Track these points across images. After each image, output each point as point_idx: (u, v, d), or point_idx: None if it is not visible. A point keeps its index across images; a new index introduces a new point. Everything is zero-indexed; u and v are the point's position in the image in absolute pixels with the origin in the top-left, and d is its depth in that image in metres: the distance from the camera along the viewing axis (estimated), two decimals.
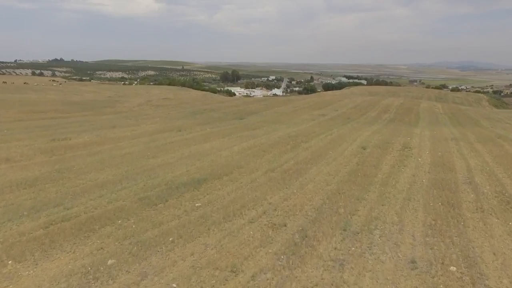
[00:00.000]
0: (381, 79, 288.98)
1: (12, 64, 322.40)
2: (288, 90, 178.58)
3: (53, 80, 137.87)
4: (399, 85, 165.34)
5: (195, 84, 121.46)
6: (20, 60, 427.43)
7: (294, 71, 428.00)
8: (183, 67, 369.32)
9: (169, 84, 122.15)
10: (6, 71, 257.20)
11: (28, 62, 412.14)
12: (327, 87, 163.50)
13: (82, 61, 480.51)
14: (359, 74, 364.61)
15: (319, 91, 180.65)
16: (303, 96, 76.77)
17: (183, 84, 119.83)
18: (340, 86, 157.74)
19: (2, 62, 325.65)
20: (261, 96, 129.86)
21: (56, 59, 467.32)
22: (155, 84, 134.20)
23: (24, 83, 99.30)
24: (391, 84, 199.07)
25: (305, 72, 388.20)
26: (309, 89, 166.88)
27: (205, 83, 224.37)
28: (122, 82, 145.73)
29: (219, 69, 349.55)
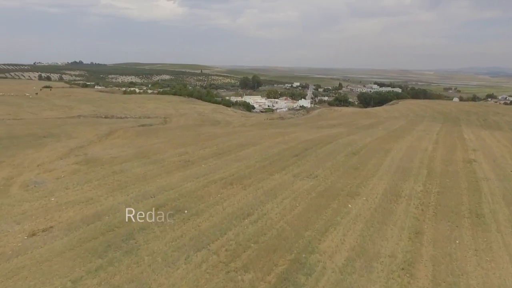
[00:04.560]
0: (416, 87, 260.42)
1: (26, 67, 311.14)
2: (316, 100, 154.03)
3: (47, 87, 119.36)
4: (464, 99, 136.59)
5: (206, 95, 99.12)
6: (39, 62, 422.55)
7: (317, 76, 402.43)
8: (201, 71, 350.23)
9: (174, 94, 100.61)
10: (12, 74, 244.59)
11: (47, 64, 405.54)
12: (364, 99, 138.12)
13: (101, 64, 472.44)
14: (388, 81, 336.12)
15: (350, 101, 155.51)
16: (373, 120, 52.80)
17: (190, 94, 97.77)
18: (379, 97, 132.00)
19: (16, 65, 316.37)
20: (286, 109, 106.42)
21: (75, 62, 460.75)
22: (161, 92, 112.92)
23: None
24: (441, 96, 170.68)
25: (331, 78, 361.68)
26: (341, 100, 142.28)
27: (223, 89, 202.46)
28: (124, 89, 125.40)
29: (240, 74, 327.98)
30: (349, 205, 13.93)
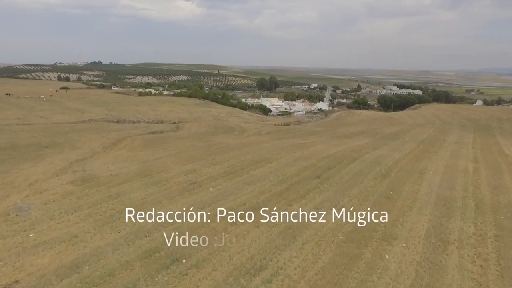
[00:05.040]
0: (437, 89, 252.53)
1: (47, 67, 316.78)
2: (335, 102, 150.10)
3: (64, 88, 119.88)
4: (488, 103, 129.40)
5: (221, 98, 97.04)
6: (60, 62, 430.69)
7: (335, 77, 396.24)
8: (218, 72, 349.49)
9: (189, 96, 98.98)
10: (32, 74, 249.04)
11: (67, 65, 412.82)
12: (384, 102, 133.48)
13: (119, 64, 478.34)
14: (407, 82, 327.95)
15: (370, 104, 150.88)
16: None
17: (206, 97, 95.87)
18: (400, 100, 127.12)
19: (38, 65, 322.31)
20: (304, 112, 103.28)
21: (94, 62, 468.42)
22: (176, 94, 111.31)
23: (6, 94, 79.56)
24: (469, 100, 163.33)
25: (349, 79, 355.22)
26: (360, 103, 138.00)
27: (239, 91, 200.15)
28: (140, 90, 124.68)
29: (257, 74, 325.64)
30: (386, 256, 11.17)
